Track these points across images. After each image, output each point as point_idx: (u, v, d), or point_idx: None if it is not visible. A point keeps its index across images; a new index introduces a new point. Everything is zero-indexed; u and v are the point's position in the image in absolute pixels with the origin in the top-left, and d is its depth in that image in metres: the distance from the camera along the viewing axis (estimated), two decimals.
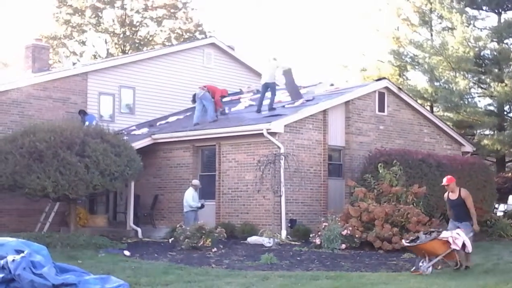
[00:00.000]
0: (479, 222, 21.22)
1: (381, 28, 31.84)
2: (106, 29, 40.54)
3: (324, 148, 19.65)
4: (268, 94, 20.51)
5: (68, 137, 17.32)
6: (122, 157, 17.91)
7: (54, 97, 21.64)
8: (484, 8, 30.31)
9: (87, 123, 20.43)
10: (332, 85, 23.08)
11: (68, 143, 17.24)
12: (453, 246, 12.26)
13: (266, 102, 20.73)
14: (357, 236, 16.27)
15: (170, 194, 20.97)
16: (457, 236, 12.34)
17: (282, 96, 22.37)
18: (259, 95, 21.23)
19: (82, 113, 21.50)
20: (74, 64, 38.37)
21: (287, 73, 21.17)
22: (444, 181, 13.21)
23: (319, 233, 16.38)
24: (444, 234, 12.42)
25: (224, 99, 22.65)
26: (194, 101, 21.75)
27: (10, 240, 9.38)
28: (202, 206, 18.45)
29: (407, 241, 13.08)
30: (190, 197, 18.33)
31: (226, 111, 21.52)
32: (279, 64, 20.65)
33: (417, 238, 12.82)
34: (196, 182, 18.88)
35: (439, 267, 12.56)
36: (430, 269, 12.21)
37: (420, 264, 12.25)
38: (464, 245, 12.35)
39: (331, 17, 68.35)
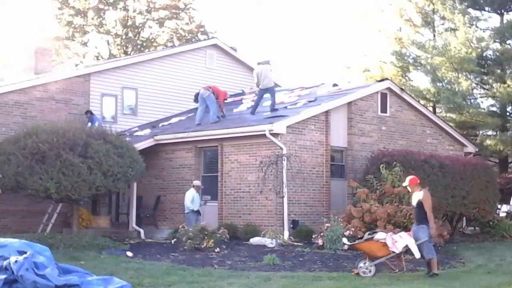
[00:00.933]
0: (482, 223, 21.46)
1: (383, 28, 31.84)
2: (109, 31, 40.57)
3: (327, 149, 19.64)
4: (267, 97, 20.64)
5: (70, 138, 17.34)
6: (125, 158, 17.93)
7: (56, 98, 21.65)
8: (486, 8, 30.29)
9: (89, 124, 20.47)
10: (335, 85, 23.06)
11: (70, 144, 17.26)
12: (391, 249, 11.99)
13: (267, 103, 20.82)
14: (359, 236, 16.25)
15: (173, 195, 20.98)
16: (398, 239, 12.08)
17: (284, 97, 22.39)
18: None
19: (89, 113, 21.49)
20: (76, 65, 38.50)
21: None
22: (406, 181, 12.76)
23: (322, 234, 16.39)
24: (379, 236, 12.22)
25: (227, 100, 22.66)
26: (196, 100, 21.80)
27: (13, 241, 9.40)
28: (199, 212, 18.38)
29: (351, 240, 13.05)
30: (189, 199, 18.34)
31: (224, 113, 21.60)
32: (270, 67, 20.74)
33: (362, 237, 12.77)
34: (197, 183, 18.88)
35: (396, 270, 12.40)
36: (372, 270, 12.01)
37: (361, 265, 12.17)
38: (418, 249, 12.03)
39: (334, 18, 68.42)
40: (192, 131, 20.54)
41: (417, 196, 12.38)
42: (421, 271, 12.91)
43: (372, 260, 12.07)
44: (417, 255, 12.08)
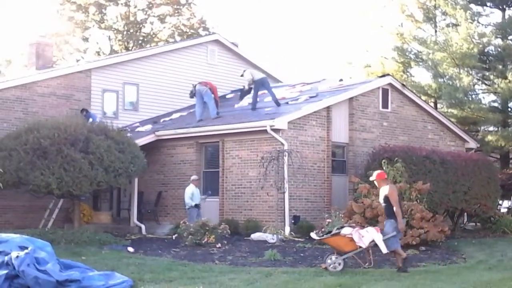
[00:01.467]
0: (484, 219, 21.46)
1: (385, 24, 31.78)
2: (110, 26, 40.55)
3: (328, 145, 19.64)
4: (264, 94, 20.73)
5: (72, 134, 17.36)
6: (126, 153, 17.94)
7: (58, 94, 21.66)
8: (488, 4, 30.22)
9: (90, 119, 20.47)
10: (341, 80, 23.01)
11: (72, 139, 17.28)
12: (358, 244, 11.99)
13: (268, 99, 20.82)
14: (327, 231, 16.18)
15: (174, 191, 20.99)
16: (364, 234, 12.06)
17: (286, 92, 22.38)
18: (261, 92, 21.27)
19: (85, 111, 21.45)
20: (77, 61, 38.49)
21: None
22: (373, 175, 12.73)
23: (323, 229, 16.37)
24: (345, 231, 12.19)
25: (228, 96, 22.67)
26: (192, 96, 21.84)
27: (14, 236, 9.43)
28: (197, 205, 18.40)
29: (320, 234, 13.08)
30: (188, 194, 18.38)
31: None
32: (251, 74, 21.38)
33: (330, 232, 12.79)
34: (194, 177, 18.88)
35: (366, 264, 12.38)
36: (340, 265, 11.99)
37: (329, 259, 12.16)
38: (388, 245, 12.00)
39: (335, 14, 68.29)
40: (193, 127, 20.55)
41: (383, 191, 12.33)
42: (421, 266, 12.92)
43: (341, 255, 12.10)
44: (384, 250, 12.09)
